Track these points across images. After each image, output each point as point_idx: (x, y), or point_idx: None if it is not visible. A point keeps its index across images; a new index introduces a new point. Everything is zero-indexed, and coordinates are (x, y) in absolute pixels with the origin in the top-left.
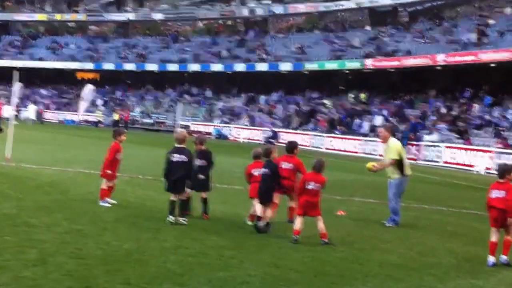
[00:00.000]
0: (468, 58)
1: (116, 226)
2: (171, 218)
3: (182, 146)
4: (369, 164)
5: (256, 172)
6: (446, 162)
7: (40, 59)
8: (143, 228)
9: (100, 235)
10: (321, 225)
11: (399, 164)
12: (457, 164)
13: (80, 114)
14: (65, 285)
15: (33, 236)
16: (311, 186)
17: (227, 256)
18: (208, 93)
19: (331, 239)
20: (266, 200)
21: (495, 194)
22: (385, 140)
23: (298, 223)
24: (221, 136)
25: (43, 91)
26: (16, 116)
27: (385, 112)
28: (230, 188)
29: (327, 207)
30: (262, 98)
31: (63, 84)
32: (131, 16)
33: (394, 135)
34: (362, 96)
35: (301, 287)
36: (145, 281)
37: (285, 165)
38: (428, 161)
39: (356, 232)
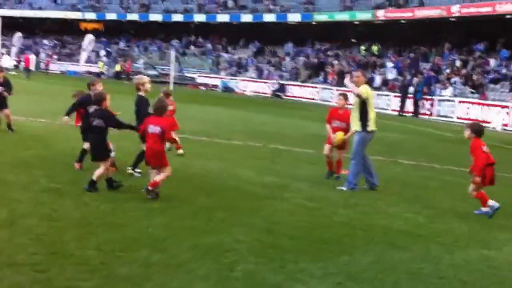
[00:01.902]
0: (483, 9)
1: (98, 185)
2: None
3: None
4: (339, 136)
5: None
6: (460, 118)
7: (40, 9)
8: (127, 187)
9: (80, 195)
10: (160, 177)
11: (362, 113)
12: (472, 120)
13: (81, 65)
14: (28, 251)
15: (7, 195)
16: (151, 129)
17: (217, 219)
18: (215, 44)
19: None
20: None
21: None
22: (358, 85)
23: (152, 175)
24: (227, 89)
25: (46, 42)
26: (16, 66)
27: (397, 65)
28: (228, 143)
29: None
30: (270, 49)
31: (66, 34)
32: None
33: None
34: (374, 48)
35: (290, 257)
36: (120, 247)
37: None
38: (442, 116)
39: (360, 194)
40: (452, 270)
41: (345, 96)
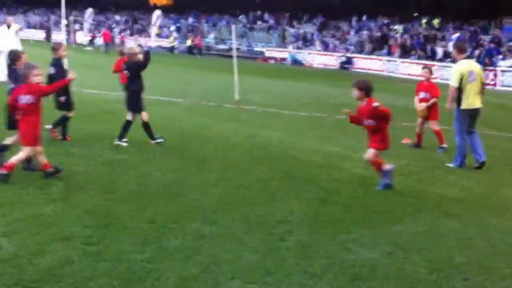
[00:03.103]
0: None
1: (163, 156)
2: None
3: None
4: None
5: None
6: None
7: None
8: (189, 158)
9: (143, 166)
10: (40, 159)
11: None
12: None
13: (151, 40)
14: (82, 224)
15: (68, 168)
16: (23, 100)
17: (272, 188)
18: (279, 19)
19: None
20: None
21: None
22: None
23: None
24: (296, 62)
25: (117, 17)
26: (91, 41)
27: (459, 37)
28: (295, 115)
29: (393, 134)
30: (333, 24)
31: (137, 10)
32: None
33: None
34: (435, 21)
35: (343, 226)
36: (173, 218)
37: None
38: (506, 86)
39: (418, 163)
40: (502, 236)
41: (429, 69)
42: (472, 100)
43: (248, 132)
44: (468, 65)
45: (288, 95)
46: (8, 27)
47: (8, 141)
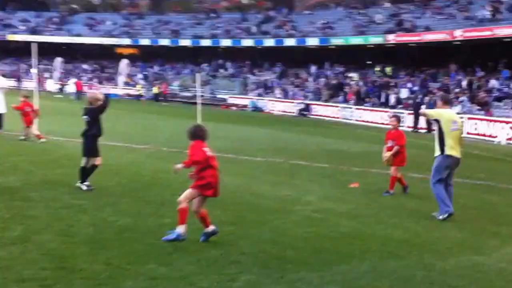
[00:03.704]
0: (484, 33)
1: (119, 201)
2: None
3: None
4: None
5: None
6: (468, 133)
7: (78, 35)
8: (146, 202)
9: (99, 211)
10: None
11: (439, 138)
12: (479, 135)
13: (119, 88)
14: (37, 267)
15: (26, 212)
16: None
17: (225, 232)
18: (241, 67)
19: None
20: None
21: None
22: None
23: None
24: (256, 109)
25: (85, 66)
26: (60, 89)
27: (410, 85)
28: (251, 160)
29: (343, 179)
30: (293, 72)
31: (104, 59)
32: None
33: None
34: (387, 69)
35: (291, 266)
36: (129, 261)
37: None
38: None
39: (364, 206)
40: (442, 276)
41: (397, 118)
42: (454, 149)
43: None
44: (452, 114)
45: (246, 140)
46: None
47: None
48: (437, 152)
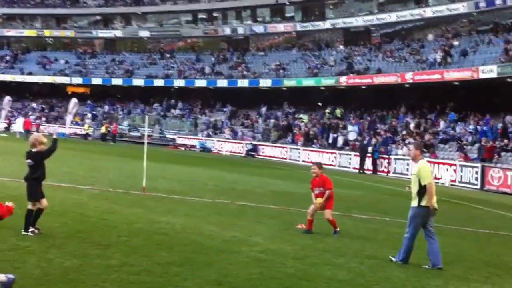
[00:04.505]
0: (434, 76)
1: (66, 242)
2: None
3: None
4: (318, 201)
5: None
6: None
7: (30, 74)
8: (93, 244)
9: (45, 252)
10: None
11: (419, 189)
12: None
13: (66, 127)
14: None
15: None
16: None
17: (171, 273)
18: (193, 107)
19: None
20: None
21: None
22: (415, 159)
23: None
24: (205, 149)
25: (34, 105)
26: (7, 128)
27: (358, 127)
28: (198, 201)
29: (289, 219)
30: (243, 112)
31: (54, 98)
32: (118, 33)
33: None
34: (337, 111)
35: None
36: None
37: None
38: (398, 173)
39: (311, 246)
40: None
41: (318, 165)
42: (433, 199)
43: (152, 218)
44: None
45: (193, 181)
46: None
47: None
48: (416, 203)
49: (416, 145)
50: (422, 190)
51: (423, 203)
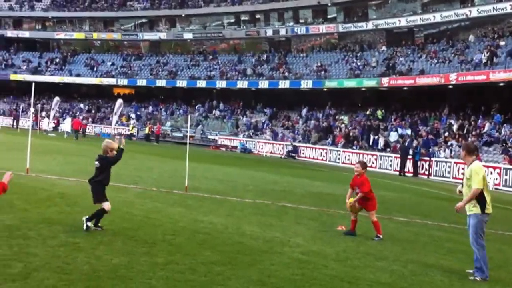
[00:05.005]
0: (479, 77)
1: (113, 240)
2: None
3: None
4: (350, 201)
5: None
6: (455, 178)
7: (78, 75)
8: (139, 241)
9: (94, 249)
10: None
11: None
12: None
13: (112, 127)
14: None
15: (25, 249)
16: None
17: (214, 273)
18: (234, 109)
19: None
20: None
21: None
22: (465, 161)
23: None
24: (245, 150)
25: (82, 106)
26: (55, 127)
27: (399, 129)
28: (239, 201)
29: (329, 221)
30: (284, 113)
31: (101, 98)
32: (163, 35)
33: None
34: (379, 113)
35: None
36: None
37: None
38: (439, 176)
39: (352, 248)
40: None
41: (362, 164)
42: (491, 204)
43: (195, 218)
44: (483, 168)
45: (234, 182)
46: None
47: None
48: (479, 211)
49: (464, 145)
50: (483, 198)
51: (488, 210)
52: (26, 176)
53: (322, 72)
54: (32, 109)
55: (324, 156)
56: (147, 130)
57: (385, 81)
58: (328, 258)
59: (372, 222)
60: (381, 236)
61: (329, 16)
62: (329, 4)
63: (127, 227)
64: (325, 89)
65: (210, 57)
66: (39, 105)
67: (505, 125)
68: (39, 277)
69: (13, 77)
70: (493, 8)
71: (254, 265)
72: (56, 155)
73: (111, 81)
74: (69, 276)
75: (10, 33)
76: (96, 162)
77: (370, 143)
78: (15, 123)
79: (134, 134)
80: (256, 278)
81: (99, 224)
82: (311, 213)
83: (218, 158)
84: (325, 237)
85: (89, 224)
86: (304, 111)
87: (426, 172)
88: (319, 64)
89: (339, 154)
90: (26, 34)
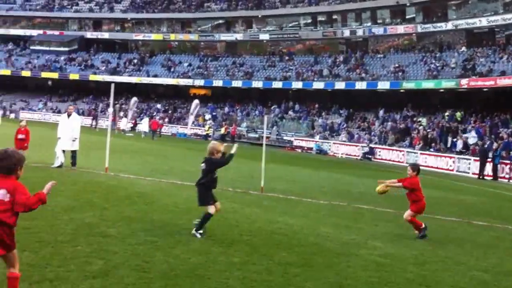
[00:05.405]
0: None
1: (191, 239)
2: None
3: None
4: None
5: None
6: None
7: (155, 76)
8: (216, 241)
9: (172, 248)
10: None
11: None
12: None
13: (188, 128)
14: None
15: (105, 247)
16: None
17: (291, 274)
18: (310, 110)
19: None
20: None
21: None
22: None
23: None
24: (321, 151)
25: (159, 106)
26: (133, 127)
27: (479, 131)
28: (315, 202)
29: (406, 224)
30: (360, 115)
31: (177, 99)
32: (239, 36)
33: None
34: (457, 114)
35: None
36: None
37: None
38: None
39: (431, 252)
40: None
41: (412, 166)
42: None
43: (271, 218)
44: None
45: (310, 183)
46: (69, 115)
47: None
48: None
49: None
50: None
51: None
52: (105, 174)
53: (400, 73)
54: (110, 109)
55: (401, 158)
56: (222, 131)
57: (464, 82)
58: (406, 261)
59: (408, 221)
60: (422, 233)
61: (407, 16)
62: (408, 4)
63: (205, 227)
64: (402, 90)
65: (286, 58)
66: (117, 105)
67: None
68: (119, 274)
69: (92, 77)
70: None
71: (330, 267)
72: (133, 154)
73: (187, 81)
74: (148, 274)
75: (90, 34)
76: (202, 164)
77: (448, 145)
78: (93, 123)
79: (210, 134)
80: (333, 280)
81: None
82: (388, 215)
83: (294, 159)
84: (403, 240)
85: (201, 232)
86: (381, 113)
87: (507, 176)
88: (396, 65)
89: (417, 156)
90: (105, 35)
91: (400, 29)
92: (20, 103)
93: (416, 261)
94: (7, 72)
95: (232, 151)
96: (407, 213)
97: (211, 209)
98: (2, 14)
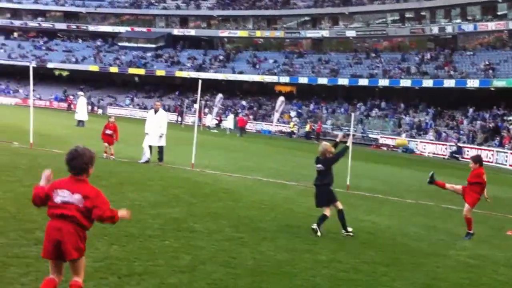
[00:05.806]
0: None
1: (276, 236)
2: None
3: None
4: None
5: None
6: None
7: (241, 73)
8: (301, 238)
9: (258, 244)
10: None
11: None
12: None
13: (273, 125)
14: None
15: (192, 242)
16: (60, 198)
17: (379, 273)
18: (396, 108)
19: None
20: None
21: None
22: None
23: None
24: (407, 150)
25: (244, 103)
26: (218, 124)
27: None
28: (401, 201)
29: (497, 225)
30: (448, 113)
31: (262, 96)
32: (325, 33)
33: None
34: None
35: None
36: None
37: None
38: None
39: None
40: None
41: (473, 159)
42: None
43: (357, 217)
44: None
45: (396, 181)
46: (156, 111)
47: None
48: None
49: None
50: None
51: None
52: (191, 170)
53: (490, 71)
54: (197, 105)
55: (490, 158)
56: (307, 128)
57: None
58: (498, 263)
59: (464, 217)
60: (471, 232)
61: (499, 13)
62: (500, 0)
63: (289, 224)
64: (492, 89)
65: (373, 55)
66: (202, 102)
67: None
68: (206, 270)
69: (178, 74)
70: None
71: (419, 267)
72: (219, 151)
73: (272, 78)
74: (235, 270)
75: (177, 31)
76: (319, 165)
77: None
78: (179, 119)
79: (295, 131)
80: (421, 280)
81: (319, 228)
82: (477, 217)
83: (379, 157)
84: (494, 241)
85: (350, 230)
86: (470, 111)
87: None
88: (486, 62)
89: (507, 156)
90: (191, 32)
91: (491, 25)
92: (107, 99)
93: (508, 263)
94: (95, 68)
95: (348, 144)
96: (466, 208)
97: (327, 211)
98: (91, 11)
